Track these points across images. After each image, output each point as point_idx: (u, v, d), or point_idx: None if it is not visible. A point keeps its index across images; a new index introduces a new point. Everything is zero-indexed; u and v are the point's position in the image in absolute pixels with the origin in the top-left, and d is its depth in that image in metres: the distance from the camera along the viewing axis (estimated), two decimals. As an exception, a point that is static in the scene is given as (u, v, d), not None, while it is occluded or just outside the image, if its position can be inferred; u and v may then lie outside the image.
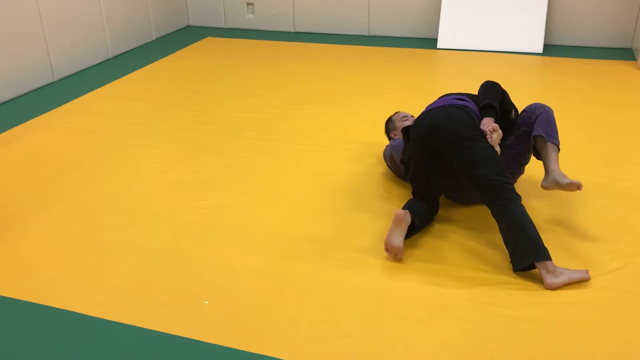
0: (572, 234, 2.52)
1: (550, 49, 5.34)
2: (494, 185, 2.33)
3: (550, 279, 2.19)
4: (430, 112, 2.54)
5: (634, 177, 3.01)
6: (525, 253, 2.24)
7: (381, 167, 3.16)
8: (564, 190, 2.49)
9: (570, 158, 3.11)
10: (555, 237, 2.49)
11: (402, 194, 2.86)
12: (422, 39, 5.79)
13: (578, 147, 3.33)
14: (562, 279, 2.20)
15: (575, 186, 2.45)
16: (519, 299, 2.15)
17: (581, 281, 2.22)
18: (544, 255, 2.21)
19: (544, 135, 2.56)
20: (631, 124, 3.65)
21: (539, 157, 2.64)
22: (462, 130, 2.42)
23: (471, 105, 2.59)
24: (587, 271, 2.25)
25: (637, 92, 4.23)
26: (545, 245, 2.24)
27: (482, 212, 2.68)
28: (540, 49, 5.25)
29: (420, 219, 2.48)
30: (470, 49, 5.39)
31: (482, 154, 2.38)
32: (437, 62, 5.16)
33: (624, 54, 5.15)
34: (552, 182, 2.51)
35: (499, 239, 2.47)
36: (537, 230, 2.27)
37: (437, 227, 2.61)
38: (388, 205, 2.78)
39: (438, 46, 5.48)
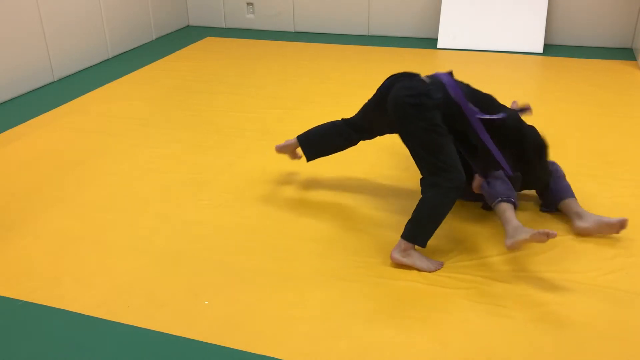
0: (573, 233, 2.52)
1: (550, 49, 5.34)
2: (424, 167, 2.37)
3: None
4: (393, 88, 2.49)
5: (633, 177, 3.01)
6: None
7: (382, 168, 3.16)
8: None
9: (570, 158, 3.11)
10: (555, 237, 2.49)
11: (402, 194, 2.86)
12: (422, 39, 5.79)
13: (578, 147, 3.33)
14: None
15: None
16: (519, 298, 2.15)
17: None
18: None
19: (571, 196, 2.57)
20: (631, 124, 3.65)
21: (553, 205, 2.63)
22: (403, 110, 2.40)
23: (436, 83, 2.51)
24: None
25: (637, 92, 4.23)
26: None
27: (482, 211, 2.68)
28: (540, 49, 5.25)
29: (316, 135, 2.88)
30: (470, 48, 5.39)
31: (416, 137, 2.37)
32: (437, 62, 5.15)
33: (624, 54, 5.15)
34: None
35: (500, 238, 2.47)
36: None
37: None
38: (388, 206, 2.78)
39: (438, 46, 5.48)
